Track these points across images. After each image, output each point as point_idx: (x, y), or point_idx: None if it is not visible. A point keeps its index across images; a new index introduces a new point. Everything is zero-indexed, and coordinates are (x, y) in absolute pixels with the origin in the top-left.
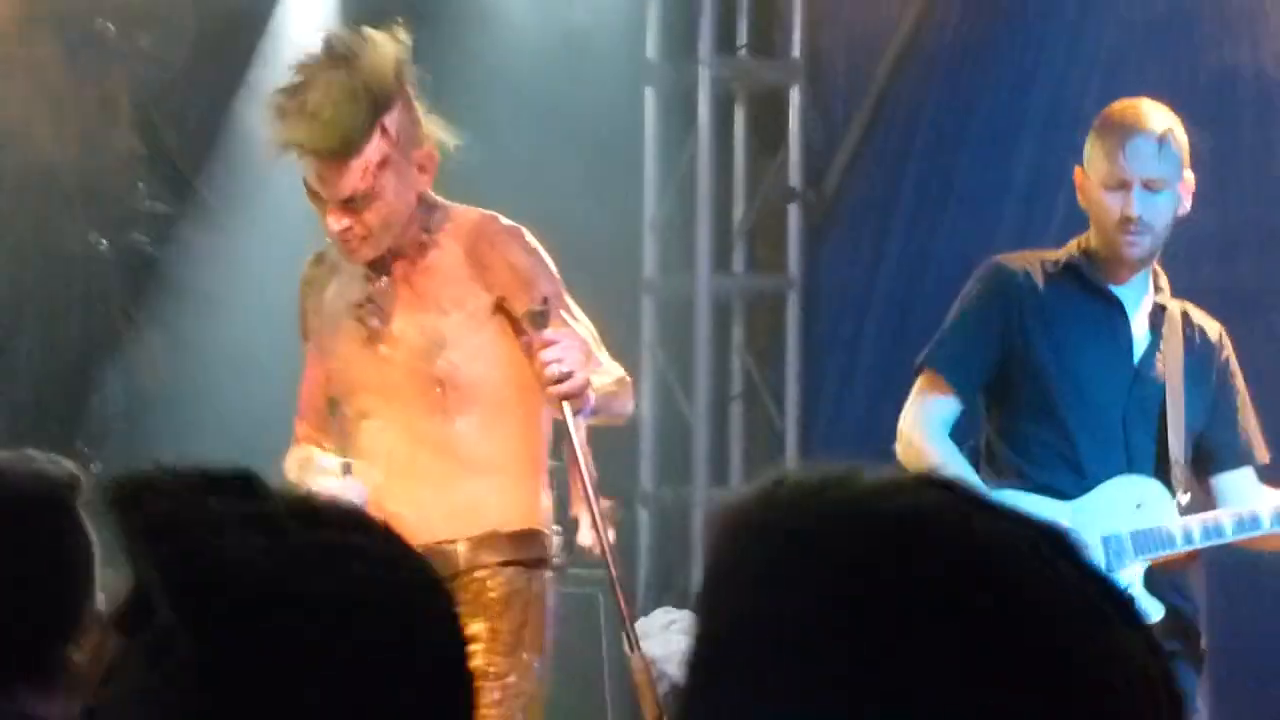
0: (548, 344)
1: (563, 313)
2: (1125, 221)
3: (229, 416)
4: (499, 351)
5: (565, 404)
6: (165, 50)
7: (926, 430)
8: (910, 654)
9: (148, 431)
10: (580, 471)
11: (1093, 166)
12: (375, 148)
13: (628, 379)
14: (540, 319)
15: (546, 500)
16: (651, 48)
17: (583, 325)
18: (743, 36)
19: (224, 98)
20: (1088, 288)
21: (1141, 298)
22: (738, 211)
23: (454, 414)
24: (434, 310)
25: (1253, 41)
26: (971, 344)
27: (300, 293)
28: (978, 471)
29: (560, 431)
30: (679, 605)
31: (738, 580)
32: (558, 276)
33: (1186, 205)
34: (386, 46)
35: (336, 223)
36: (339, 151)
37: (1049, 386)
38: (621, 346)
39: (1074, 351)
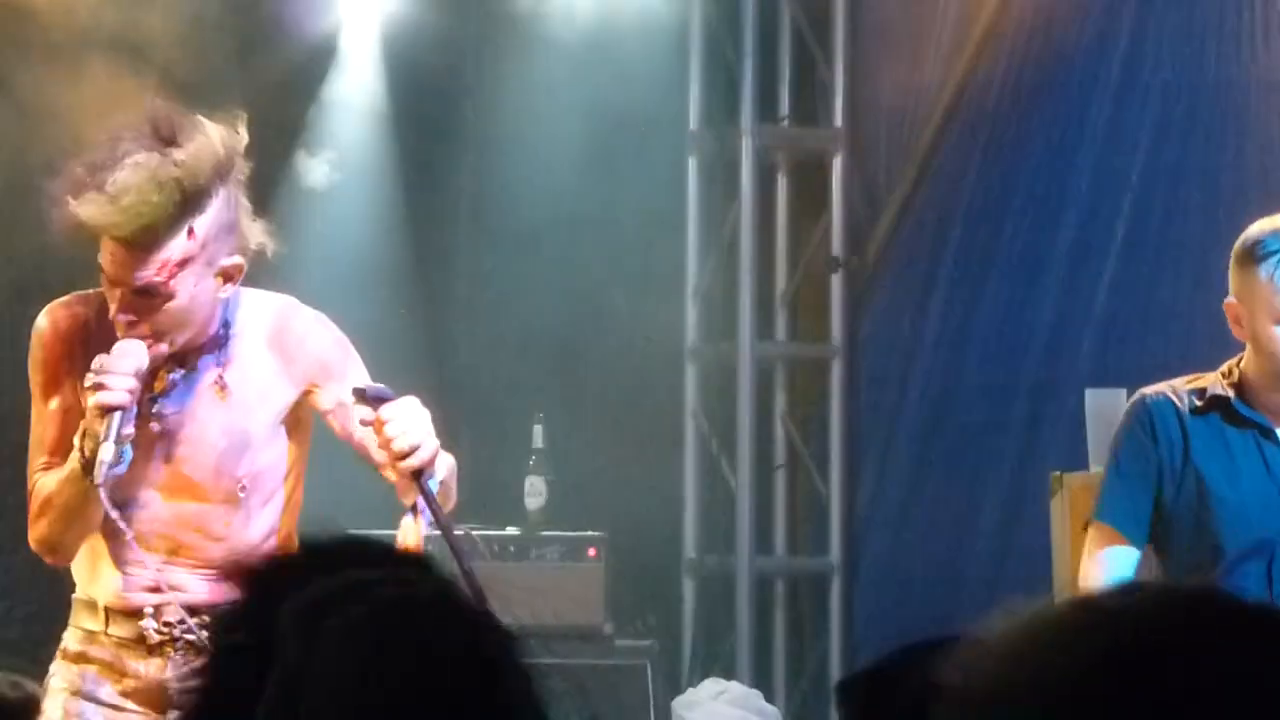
0: (391, 418)
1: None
2: None
3: None
4: (291, 445)
5: (417, 478)
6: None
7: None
8: None
9: None
10: (451, 541)
11: (1254, 296)
12: (179, 246)
13: (454, 465)
14: (373, 398)
15: None
16: (694, 118)
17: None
18: (784, 106)
19: (270, 172)
20: (1237, 419)
21: None
22: (780, 279)
23: (252, 508)
24: (240, 410)
25: None
26: (1136, 490)
27: (49, 338)
28: None
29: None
30: (725, 675)
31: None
32: (361, 364)
33: None
34: (213, 138)
35: (124, 316)
36: (136, 241)
37: (1212, 522)
38: (664, 414)
39: (1231, 485)
